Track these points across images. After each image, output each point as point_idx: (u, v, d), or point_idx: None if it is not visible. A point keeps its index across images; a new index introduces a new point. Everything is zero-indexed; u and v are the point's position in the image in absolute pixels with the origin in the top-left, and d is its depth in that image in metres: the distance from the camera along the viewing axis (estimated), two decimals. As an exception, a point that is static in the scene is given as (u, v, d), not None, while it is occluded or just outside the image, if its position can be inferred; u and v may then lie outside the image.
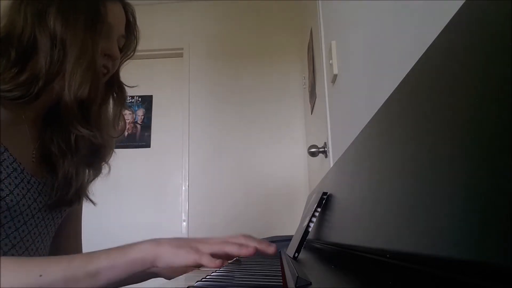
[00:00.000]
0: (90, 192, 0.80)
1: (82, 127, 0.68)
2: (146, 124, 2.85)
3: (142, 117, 2.87)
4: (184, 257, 0.52)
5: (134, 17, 0.81)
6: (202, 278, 0.48)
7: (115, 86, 0.79)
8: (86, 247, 0.89)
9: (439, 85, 0.21)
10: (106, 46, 0.71)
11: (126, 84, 0.81)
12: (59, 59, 0.64)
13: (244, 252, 0.51)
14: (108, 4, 0.71)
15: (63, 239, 0.82)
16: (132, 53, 0.82)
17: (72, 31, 0.64)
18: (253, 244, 0.54)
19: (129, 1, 0.80)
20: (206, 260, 0.50)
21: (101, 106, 0.72)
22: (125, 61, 0.81)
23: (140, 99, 2.89)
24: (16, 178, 0.62)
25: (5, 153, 0.61)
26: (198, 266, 0.53)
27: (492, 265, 0.12)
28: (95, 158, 0.75)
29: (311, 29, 1.91)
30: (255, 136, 2.66)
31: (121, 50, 0.77)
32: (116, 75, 0.79)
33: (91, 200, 0.80)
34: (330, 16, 1.37)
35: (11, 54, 0.62)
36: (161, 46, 2.87)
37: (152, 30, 2.78)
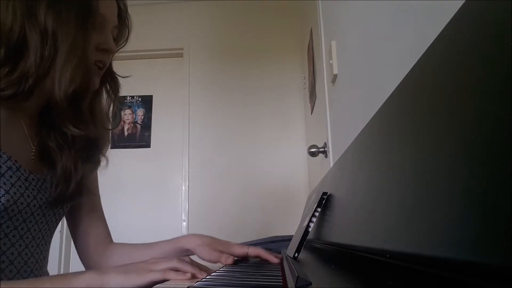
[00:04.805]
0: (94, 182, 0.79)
1: (73, 126, 0.67)
2: (146, 124, 2.86)
3: (142, 117, 2.87)
4: (137, 278, 0.51)
5: (125, 5, 0.78)
6: (202, 278, 0.48)
7: (108, 77, 0.77)
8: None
9: (439, 85, 0.21)
10: (101, 40, 0.69)
11: (118, 74, 0.80)
12: (50, 55, 0.62)
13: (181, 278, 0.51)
14: None
15: (88, 234, 0.81)
16: (124, 43, 0.79)
17: (64, 27, 0.62)
18: (190, 270, 0.53)
19: None
20: (158, 276, 0.50)
21: (94, 101, 0.72)
22: (118, 50, 0.78)
23: (140, 99, 2.89)
24: (11, 176, 0.61)
25: None
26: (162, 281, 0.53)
27: (492, 265, 0.12)
28: (92, 151, 0.75)
29: (311, 29, 1.90)
30: (255, 136, 2.66)
31: (114, 40, 0.75)
32: (109, 66, 0.77)
33: (92, 192, 0.79)
34: (330, 16, 1.37)
35: (0, 52, 0.60)
36: (161, 46, 2.88)
37: (152, 30, 2.79)
